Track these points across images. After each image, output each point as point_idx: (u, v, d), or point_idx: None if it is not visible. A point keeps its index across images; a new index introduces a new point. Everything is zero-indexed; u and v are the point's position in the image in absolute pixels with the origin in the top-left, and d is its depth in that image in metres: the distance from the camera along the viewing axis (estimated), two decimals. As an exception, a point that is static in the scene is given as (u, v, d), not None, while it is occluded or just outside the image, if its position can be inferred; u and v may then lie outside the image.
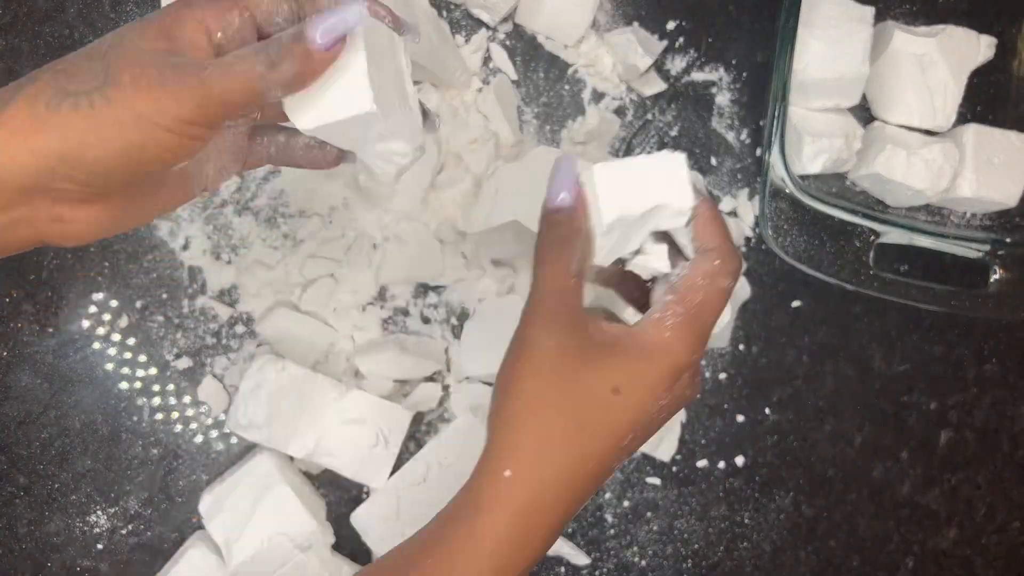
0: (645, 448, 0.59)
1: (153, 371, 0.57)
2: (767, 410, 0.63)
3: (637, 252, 0.37)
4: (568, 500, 0.34)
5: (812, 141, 0.57)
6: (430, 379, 0.58)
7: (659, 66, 0.61)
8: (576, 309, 0.35)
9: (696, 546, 0.62)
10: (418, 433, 0.59)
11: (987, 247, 0.59)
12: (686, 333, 0.35)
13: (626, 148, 0.60)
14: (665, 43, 0.60)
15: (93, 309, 0.57)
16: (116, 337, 0.57)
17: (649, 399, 0.34)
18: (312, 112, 0.33)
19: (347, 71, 0.33)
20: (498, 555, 0.32)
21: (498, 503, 0.33)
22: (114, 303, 0.57)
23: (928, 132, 0.60)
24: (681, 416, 0.61)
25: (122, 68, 0.30)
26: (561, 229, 0.35)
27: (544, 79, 0.60)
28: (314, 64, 0.32)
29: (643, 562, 0.62)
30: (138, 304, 0.57)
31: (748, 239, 0.62)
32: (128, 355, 0.57)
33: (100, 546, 0.57)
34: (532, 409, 0.34)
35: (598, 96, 0.60)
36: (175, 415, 0.58)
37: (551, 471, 0.33)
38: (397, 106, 0.36)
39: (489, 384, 0.58)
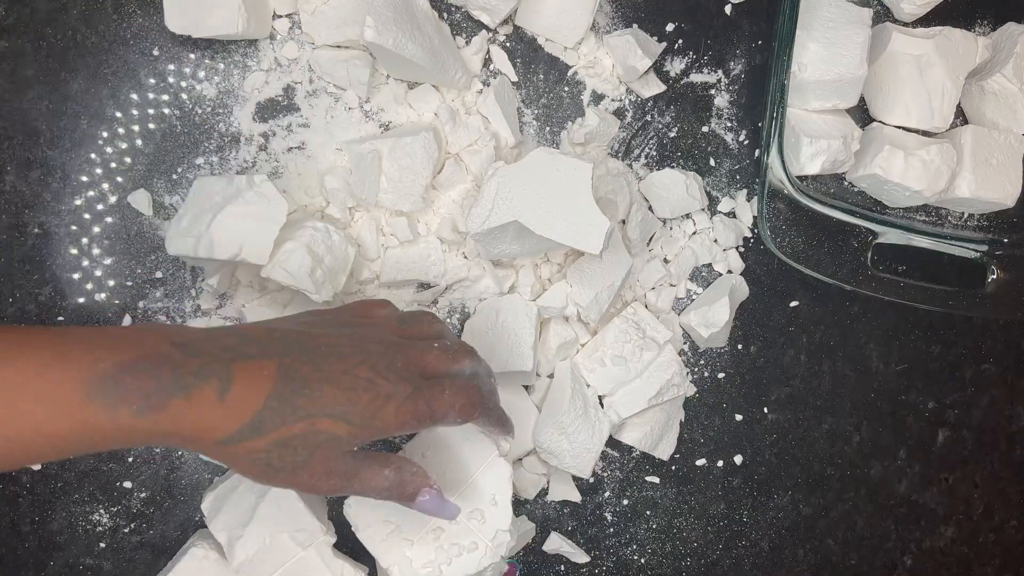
0: (645, 447, 0.60)
1: (155, 371, 0.57)
2: (765, 409, 0.63)
3: None
4: None
5: (810, 142, 0.57)
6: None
7: (658, 68, 0.61)
8: None
9: (695, 544, 0.63)
10: (419, 432, 0.59)
11: (984, 247, 0.60)
12: None
13: (625, 149, 0.61)
14: (664, 45, 0.60)
15: (96, 309, 0.57)
16: (119, 337, 0.57)
17: None
18: None
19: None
20: None
21: None
22: (117, 303, 0.57)
23: (926, 133, 0.61)
24: (680, 415, 0.62)
25: (312, 468, 0.39)
26: None
27: (544, 81, 0.60)
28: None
29: (642, 560, 0.62)
30: (140, 304, 0.57)
31: (747, 239, 0.62)
32: (130, 355, 0.57)
33: (103, 544, 0.58)
34: None
35: (598, 97, 0.60)
36: (177, 414, 0.58)
37: None
38: None
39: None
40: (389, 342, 0.43)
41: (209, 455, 0.38)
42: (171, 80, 0.56)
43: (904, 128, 0.61)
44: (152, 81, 0.56)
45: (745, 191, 0.62)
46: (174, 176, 0.56)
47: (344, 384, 0.39)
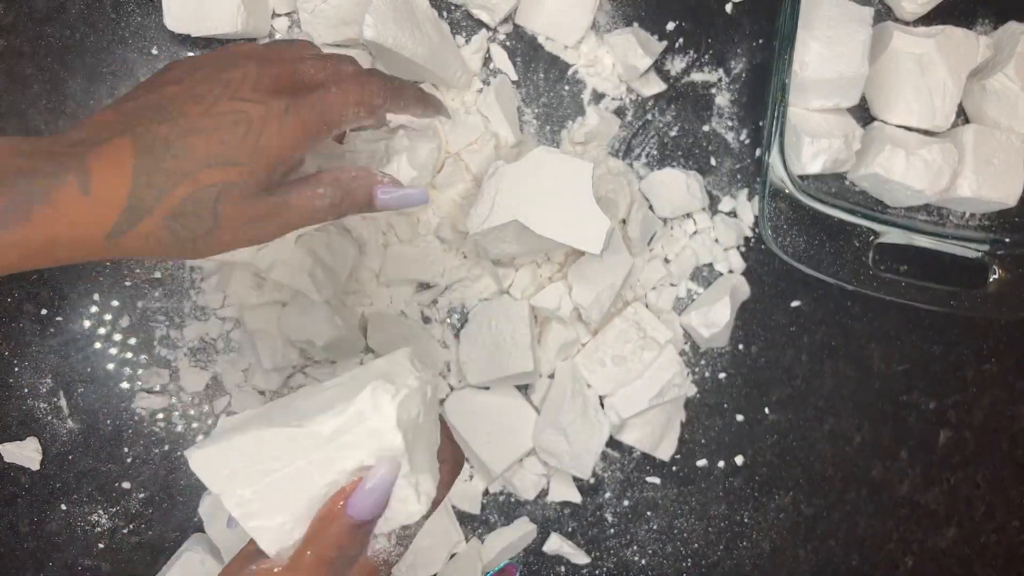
0: (645, 447, 0.59)
1: (154, 371, 0.57)
2: (766, 410, 0.63)
3: None
4: None
5: (811, 141, 0.57)
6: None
7: (659, 67, 0.61)
8: None
9: (696, 545, 0.63)
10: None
11: (986, 247, 0.60)
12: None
13: (626, 148, 0.61)
14: (665, 44, 0.60)
15: (94, 309, 0.57)
16: (117, 337, 0.57)
17: None
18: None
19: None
20: None
21: None
22: (115, 303, 0.57)
23: (927, 132, 0.60)
24: (681, 416, 0.61)
25: (227, 224, 0.36)
26: (355, 547, 0.34)
27: (544, 79, 0.60)
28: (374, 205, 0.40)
29: (643, 561, 0.62)
30: (139, 304, 0.57)
31: (748, 239, 0.62)
32: (129, 355, 0.57)
33: (101, 545, 0.57)
34: None
35: (598, 96, 0.60)
36: (176, 415, 0.58)
37: None
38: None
39: (483, 388, 0.59)
40: (250, 61, 0.38)
41: (112, 255, 0.35)
42: (170, 79, 0.55)
43: (905, 127, 0.61)
44: (151, 80, 0.55)
45: (746, 190, 0.62)
46: (173, 175, 0.56)
47: (208, 128, 0.35)
